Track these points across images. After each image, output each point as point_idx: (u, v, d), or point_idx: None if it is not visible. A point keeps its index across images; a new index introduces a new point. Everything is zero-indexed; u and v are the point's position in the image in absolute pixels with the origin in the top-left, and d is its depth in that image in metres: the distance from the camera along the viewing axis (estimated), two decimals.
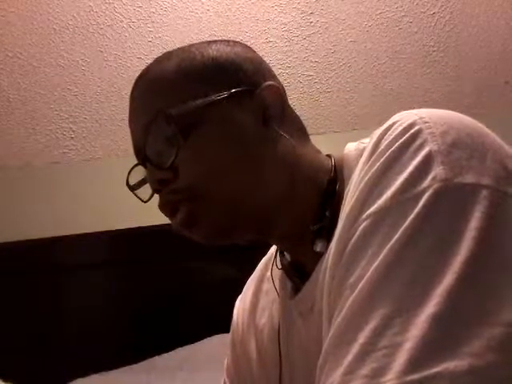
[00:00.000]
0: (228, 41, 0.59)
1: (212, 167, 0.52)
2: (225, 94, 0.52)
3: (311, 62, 1.63)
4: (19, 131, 1.51)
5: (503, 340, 0.31)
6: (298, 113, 0.59)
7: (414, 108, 0.44)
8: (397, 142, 0.40)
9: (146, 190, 0.57)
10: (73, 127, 1.53)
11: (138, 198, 0.58)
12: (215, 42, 0.58)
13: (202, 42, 0.58)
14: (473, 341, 0.30)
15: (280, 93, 0.55)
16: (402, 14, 1.65)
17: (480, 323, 0.31)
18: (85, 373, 1.33)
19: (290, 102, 0.57)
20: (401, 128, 0.41)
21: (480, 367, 0.30)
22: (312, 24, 1.61)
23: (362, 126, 1.64)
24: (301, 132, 0.58)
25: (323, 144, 0.60)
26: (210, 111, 0.52)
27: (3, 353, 1.32)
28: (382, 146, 0.41)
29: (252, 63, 0.56)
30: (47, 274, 1.43)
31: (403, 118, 0.42)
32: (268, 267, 0.67)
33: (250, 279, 0.72)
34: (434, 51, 1.67)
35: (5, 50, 1.47)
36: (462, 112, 0.42)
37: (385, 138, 0.42)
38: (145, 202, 0.57)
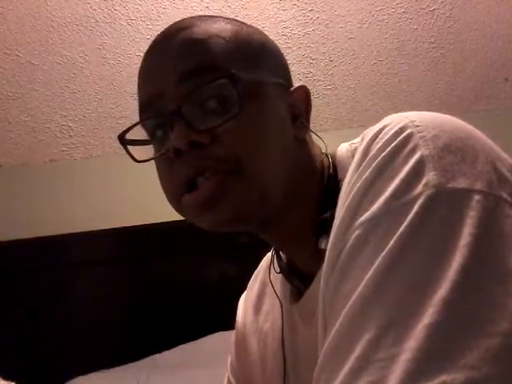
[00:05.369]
0: (257, 29, 0.57)
1: (260, 143, 0.50)
2: (279, 80, 0.53)
3: (311, 59, 1.62)
4: (18, 129, 1.50)
5: (501, 351, 0.30)
6: None
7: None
8: (388, 146, 0.39)
9: (137, 150, 0.52)
10: (71, 125, 1.53)
11: (130, 155, 0.52)
12: (247, 25, 0.55)
13: (237, 22, 0.55)
14: (470, 352, 0.30)
15: (309, 97, 0.56)
16: (402, 10, 1.64)
17: (477, 333, 0.30)
18: (86, 371, 1.33)
19: None
20: (392, 132, 0.40)
21: (477, 380, 0.29)
22: (312, 21, 1.61)
23: (363, 123, 1.63)
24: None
25: (324, 141, 0.60)
26: (267, 89, 0.52)
27: (3, 352, 1.32)
28: (374, 151, 0.40)
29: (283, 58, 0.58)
30: (47, 272, 1.43)
31: (394, 121, 0.41)
32: (268, 270, 0.66)
33: (252, 278, 0.71)
34: (434, 48, 1.67)
35: (3, 48, 1.47)
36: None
37: (376, 141, 0.41)
38: (137, 161, 0.52)
